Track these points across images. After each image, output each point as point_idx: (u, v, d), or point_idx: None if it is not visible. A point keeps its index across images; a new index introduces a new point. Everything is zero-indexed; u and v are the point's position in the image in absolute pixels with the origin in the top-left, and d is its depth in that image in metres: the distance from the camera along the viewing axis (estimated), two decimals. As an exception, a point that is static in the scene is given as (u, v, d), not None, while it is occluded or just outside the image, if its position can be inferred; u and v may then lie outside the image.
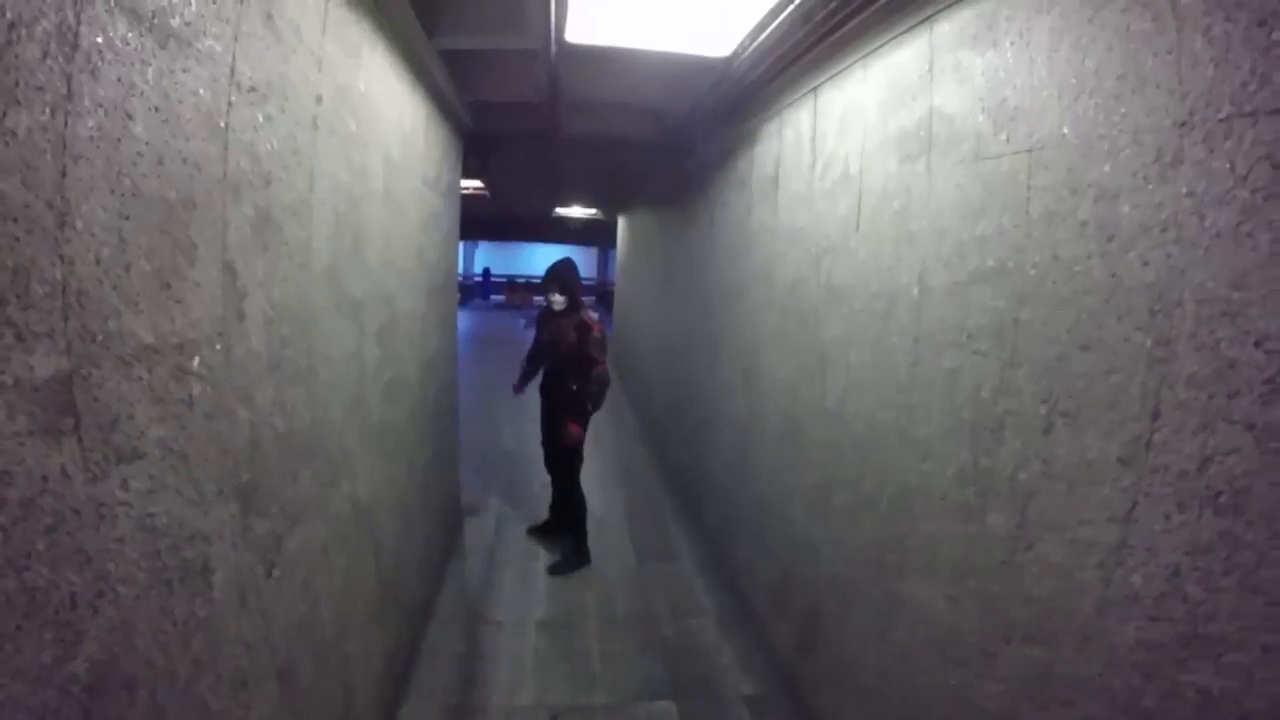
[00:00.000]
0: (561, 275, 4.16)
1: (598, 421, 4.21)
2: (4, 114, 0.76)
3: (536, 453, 4.50)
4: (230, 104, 1.27)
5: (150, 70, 1.02)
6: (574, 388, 4.07)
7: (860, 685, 2.34)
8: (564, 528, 4.46)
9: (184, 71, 1.11)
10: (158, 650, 1.06)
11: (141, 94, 1.00)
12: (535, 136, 4.89)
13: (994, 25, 1.72)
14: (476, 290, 26.53)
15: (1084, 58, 1.44)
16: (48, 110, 0.82)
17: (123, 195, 0.98)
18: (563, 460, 4.25)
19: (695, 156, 4.93)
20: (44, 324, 0.83)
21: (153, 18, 1.01)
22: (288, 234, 1.59)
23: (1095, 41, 1.41)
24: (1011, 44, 1.66)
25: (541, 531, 4.60)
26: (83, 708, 0.88)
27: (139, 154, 1.01)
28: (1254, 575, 1.09)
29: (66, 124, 0.85)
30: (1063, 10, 1.50)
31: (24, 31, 0.77)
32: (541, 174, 7.12)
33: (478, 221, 14.98)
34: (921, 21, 2.01)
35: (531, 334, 4.55)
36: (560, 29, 2.63)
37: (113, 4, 0.92)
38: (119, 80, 0.95)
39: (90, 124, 0.89)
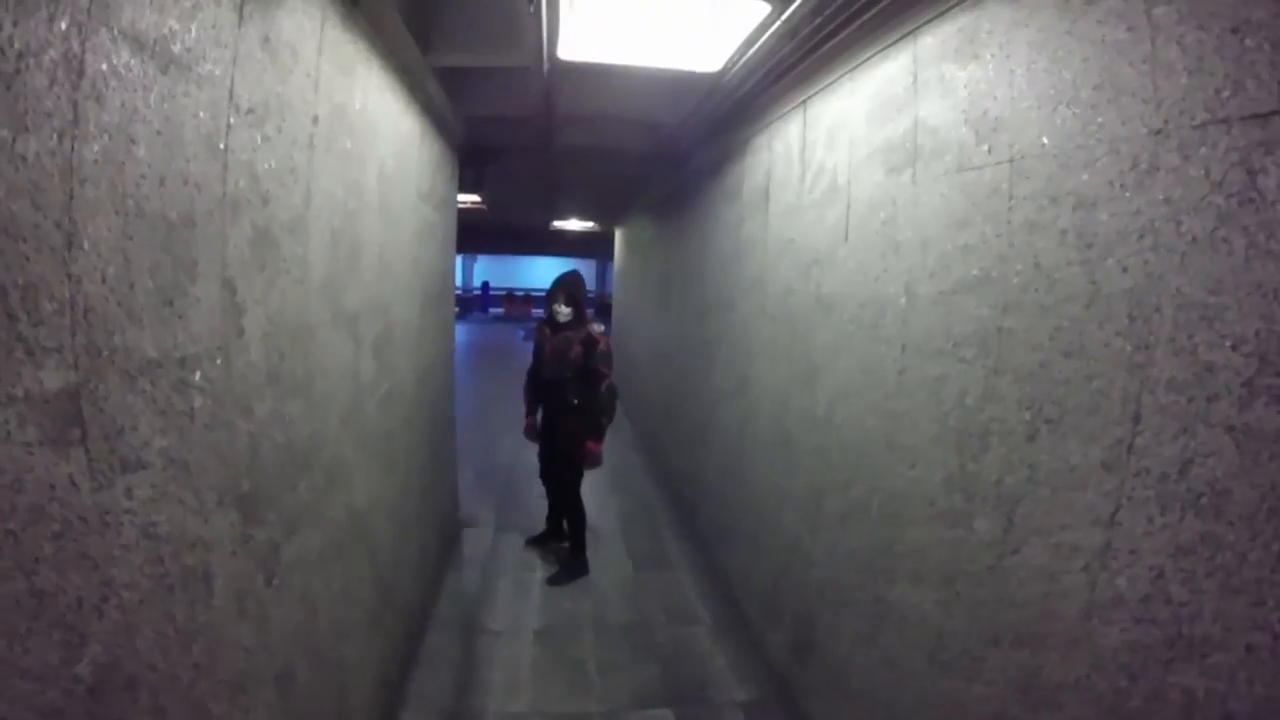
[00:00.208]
0: (569, 287, 4.11)
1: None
2: (14, 139, 0.79)
3: (534, 464, 4.51)
4: (229, 126, 1.30)
5: (152, 95, 1.05)
6: (575, 401, 4.04)
7: (852, 689, 2.36)
8: (562, 538, 4.46)
9: (185, 95, 1.14)
10: (159, 653, 1.09)
11: (144, 118, 1.04)
12: (531, 150, 4.93)
13: (975, 38, 1.76)
14: (476, 303, 26.56)
15: (1062, 69, 1.47)
16: (55, 135, 0.85)
17: (127, 216, 1.01)
18: (566, 471, 4.22)
19: (688, 168, 4.97)
20: (53, 339, 0.86)
21: (154, 44, 1.05)
22: (285, 250, 1.62)
23: (1073, 53, 1.44)
24: (992, 56, 1.70)
25: (539, 542, 4.60)
26: (87, 708, 0.91)
27: (142, 176, 1.04)
28: (1236, 576, 1.11)
29: (73, 148, 0.88)
30: (1041, 23, 1.54)
31: (31, 61, 0.81)
32: (538, 187, 7.16)
33: (476, 235, 15.01)
34: (906, 35, 2.06)
35: (530, 346, 4.48)
36: (553, 46, 2.68)
37: (116, 32, 0.95)
38: (123, 105, 0.98)
39: (96, 148, 0.93)
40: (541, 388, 4.24)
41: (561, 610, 3.83)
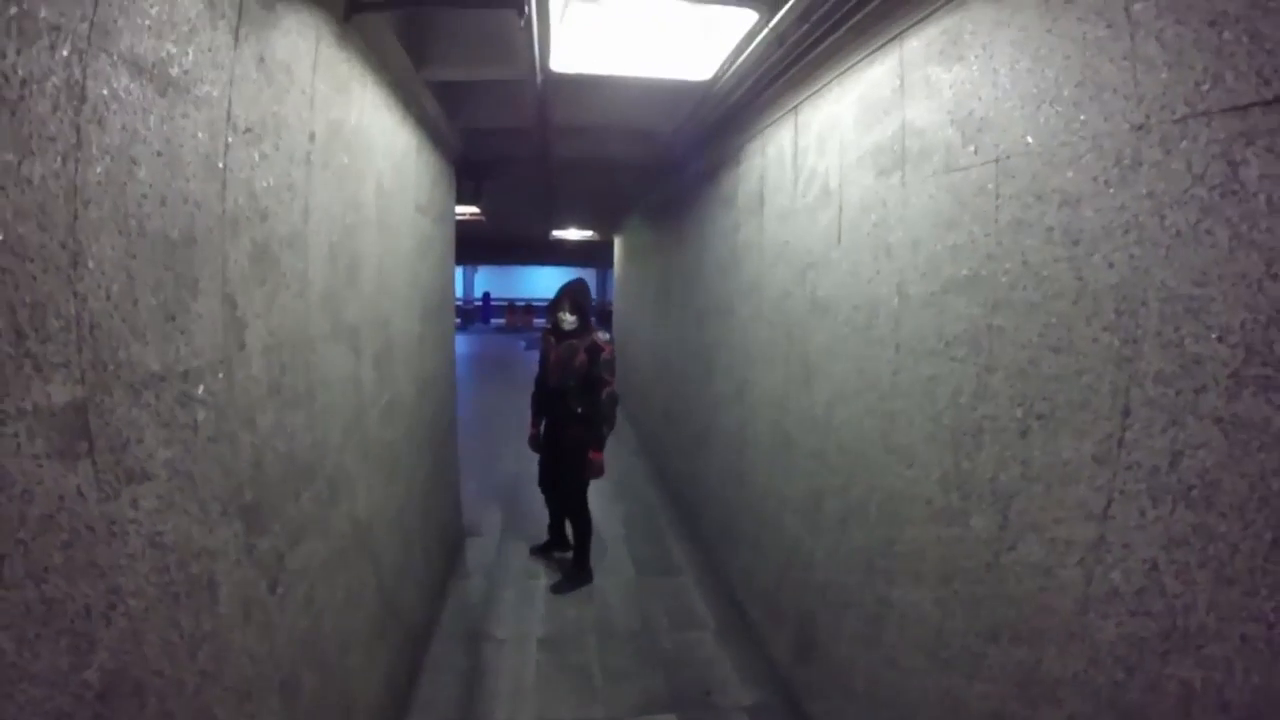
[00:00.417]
0: (574, 295, 4.11)
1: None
2: (19, 163, 0.81)
3: (535, 471, 4.51)
4: (227, 145, 1.33)
5: (152, 117, 1.08)
6: (579, 410, 4.03)
7: (854, 690, 2.37)
8: (565, 547, 4.46)
9: (183, 117, 1.17)
10: (166, 660, 1.11)
11: (145, 140, 1.06)
12: (527, 161, 4.97)
13: (959, 40, 1.79)
14: (477, 314, 26.61)
15: (1044, 68, 1.49)
16: (59, 159, 0.88)
17: (130, 235, 1.04)
18: (572, 480, 4.21)
19: (684, 176, 5.01)
20: (60, 355, 0.89)
21: (153, 68, 1.08)
22: (285, 266, 1.65)
23: (1054, 51, 1.46)
24: (976, 57, 1.72)
25: (543, 551, 4.61)
26: (95, 713, 0.92)
27: (144, 196, 1.07)
28: (1228, 567, 1.11)
29: (77, 171, 0.91)
30: (1022, 22, 1.56)
31: (35, 87, 0.83)
32: (535, 197, 7.20)
33: (476, 246, 15.06)
34: (892, 39, 2.08)
35: (533, 355, 4.48)
36: (545, 59, 2.71)
37: (116, 57, 0.98)
38: (124, 128, 1.01)
39: (98, 170, 0.96)
40: (546, 396, 4.24)
41: (566, 617, 3.84)
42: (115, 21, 0.97)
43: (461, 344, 6.36)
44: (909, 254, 2.03)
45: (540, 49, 2.59)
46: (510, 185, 6.00)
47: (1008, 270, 1.61)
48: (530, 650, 3.47)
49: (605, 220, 10.07)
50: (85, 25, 0.91)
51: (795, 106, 2.89)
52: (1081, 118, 1.39)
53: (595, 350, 4.01)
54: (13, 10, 0.78)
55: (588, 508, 4.31)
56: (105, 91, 0.96)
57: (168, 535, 1.13)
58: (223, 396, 1.34)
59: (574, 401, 4.05)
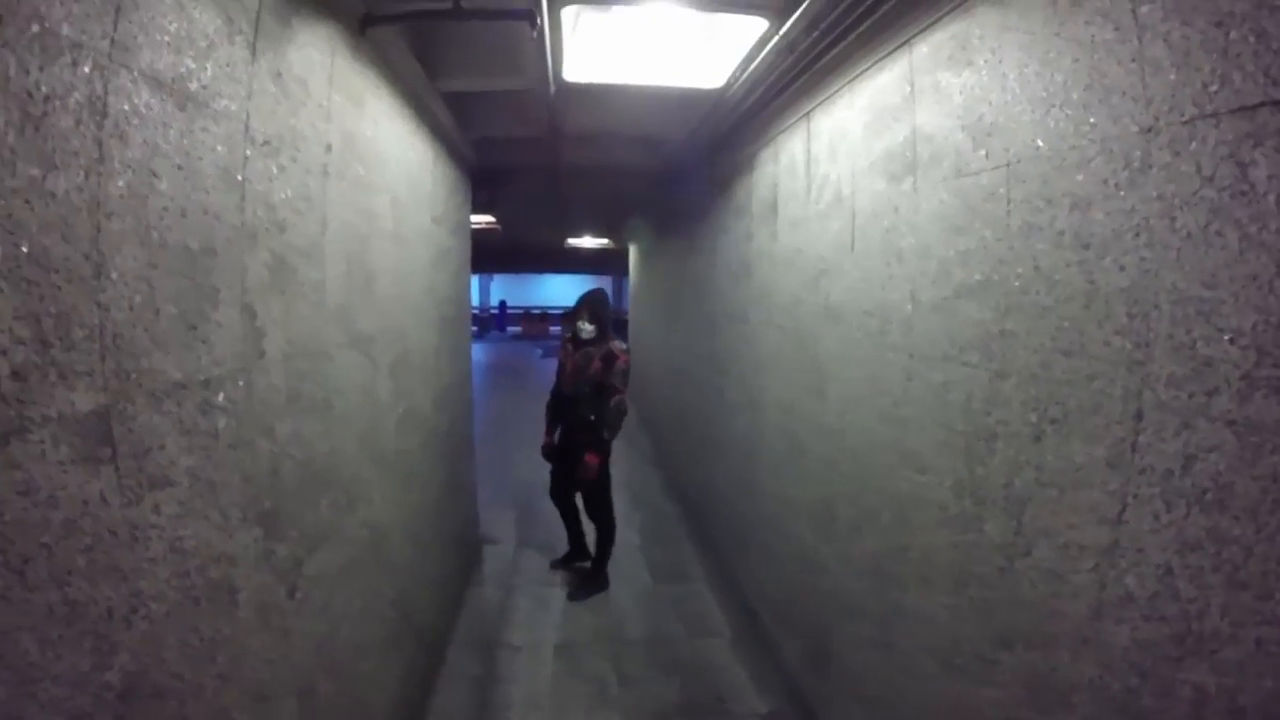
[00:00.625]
0: (593, 304, 4.18)
1: (614, 448, 4.24)
2: (44, 177, 0.84)
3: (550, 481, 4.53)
4: (246, 158, 1.37)
5: (172, 131, 1.11)
6: (592, 417, 4.06)
7: (867, 697, 2.36)
8: (585, 557, 4.46)
9: (203, 131, 1.20)
10: (185, 663, 1.13)
11: (165, 154, 1.10)
12: (541, 170, 5.01)
13: (967, 45, 1.79)
14: (493, 322, 26.75)
15: (1053, 71, 1.48)
16: (82, 173, 0.91)
17: (151, 246, 1.07)
18: (593, 487, 4.23)
19: (696, 184, 5.02)
20: (84, 364, 0.91)
21: (173, 83, 1.11)
22: (302, 276, 1.68)
23: (1062, 55, 1.45)
24: (985, 62, 1.72)
25: (564, 563, 4.58)
26: (115, 714, 0.95)
27: (164, 208, 1.10)
28: (1242, 570, 1.10)
29: (99, 184, 0.94)
30: (1030, 26, 1.55)
31: (58, 103, 0.87)
32: (550, 206, 7.25)
33: (491, 255, 15.14)
34: (901, 45, 2.09)
35: (549, 364, 4.51)
36: (557, 68, 2.74)
37: (136, 74, 1.01)
38: (145, 142, 1.04)
39: (120, 183, 0.99)
40: (561, 404, 4.28)
41: (582, 625, 3.85)
42: (135, 38, 1.01)
43: (478, 352, 6.41)
44: (920, 260, 2.03)
45: (553, 59, 2.63)
46: (524, 194, 6.05)
47: (1019, 274, 1.60)
48: (546, 658, 3.48)
49: (619, 228, 10.11)
50: (106, 42, 0.94)
51: (808, 113, 2.90)
52: (1091, 120, 1.39)
53: (610, 358, 4.05)
54: (35, 28, 0.81)
55: (613, 515, 4.33)
56: (126, 107, 0.99)
57: (188, 540, 1.15)
58: (242, 404, 1.37)
59: (586, 409, 4.08)
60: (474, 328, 5.13)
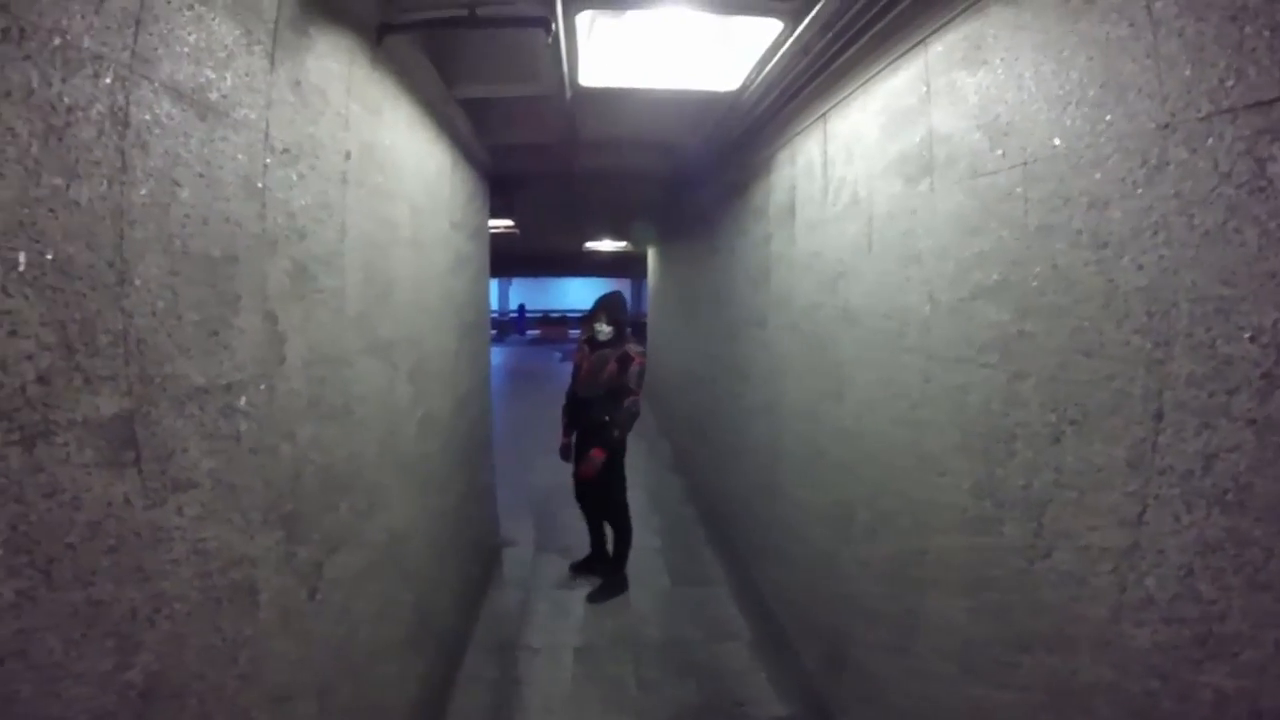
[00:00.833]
0: (610, 307, 4.22)
1: (633, 451, 4.25)
2: (67, 186, 0.87)
3: (571, 484, 4.54)
4: (266, 166, 1.39)
5: (193, 140, 1.14)
6: (606, 418, 4.09)
7: (886, 702, 2.34)
8: (607, 560, 4.47)
9: (223, 140, 1.23)
10: (207, 663, 1.15)
11: (186, 163, 1.12)
12: (558, 175, 5.05)
13: (982, 44, 1.78)
14: (512, 326, 26.89)
15: (1068, 69, 1.47)
16: (105, 182, 0.93)
17: (174, 254, 1.09)
18: (604, 489, 4.26)
19: (712, 187, 5.02)
20: (108, 369, 0.94)
21: (193, 94, 1.14)
22: (322, 283, 1.71)
23: (1077, 53, 1.44)
24: (1000, 61, 1.71)
25: (585, 567, 4.59)
26: (137, 712, 0.97)
27: (186, 216, 1.13)
28: (1262, 572, 1.08)
29: (122, 193, 0.97)
30: (1044, 25, 1.54)
31: (80, 114, 0.89)
32: (567, 211, 7.29)
33: (510, 259, 15.23)
34: (915, 46, 2.08)
35: (568, 367, 4.55)
36: (573, 74, 2.76)
37: (157, 84, 1.04)
38: (166, 152, 1.07)
39: (143, 192, 1.01)
40: (577, 406, 4.31)
41: (601, 627, 3.86)
42: (156, 50, 1.03)
43: (497, 355, 6.45)
44: (938, 261, 2.01)
45: (569, 65, 2.65)
46: (542, 199, 6.09)
47: (1037, 275, 1.59)
48: (565, 660, 3.49)
49: (637, 232, 10.12)
50: (127, 54, 0.97)
51: (824, 115, 2.89)
52: (1107, 118, 1.38)
53: (626, 360, 4.09)
54: (56, 41, 0.84)
55: (629, 517, 4.35)
56: (148, 117, 1.02)
57: (210, 542, 1.18)
58: (264, 409, 1.39)
59: (601, 411, 4.12)
60: (493, 331, 5.17)
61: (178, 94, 1.09)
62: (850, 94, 2.59)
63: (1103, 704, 1.38)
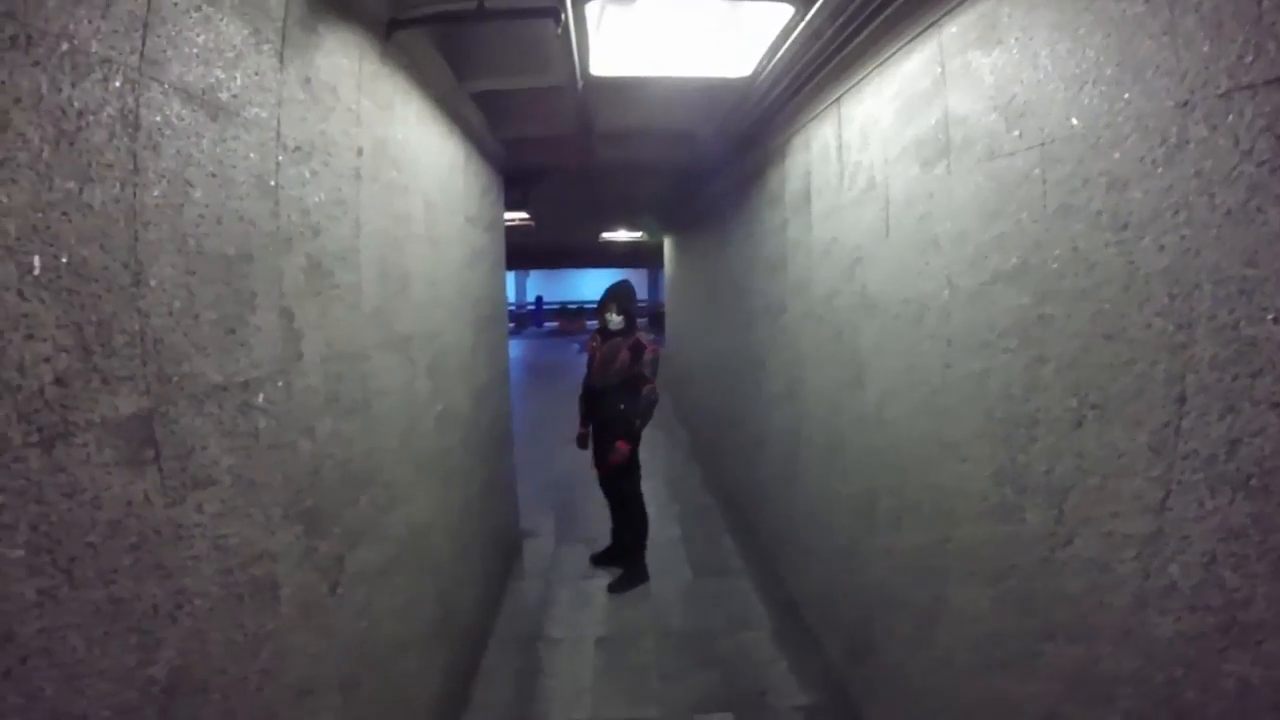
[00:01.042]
0: (620, 296, 4.28)
1: (652, 441, 4.26)
2: (80, 190, 0.88)
3: (590, 475, 4.56)
4: (278, 164, 1.40)
5: (205, 141, 1.15)
6: (622, 407, 4.13)
7: (908, 691, 2.33)
8: (625, 549, 4.49)
9: (235, 139, 1.24)
10: (229, 658, 1.17)
11: (199, 163, 1.13)
12: (572, 168, 5.04)
13: (997, 24, 1.74)
14: (530, 319, 26.98)
15: (1085, 48, 1.44)
16: (118, 184, 0.94)
17: (188, 254, 1.10)
18: (621, 478, 4.30)
19: (727, 175, 4.99)
20: (126, 369, 0.95)
21: (203, 94, 1.15)
22: (338, 279, 1.72)
23: (1093, 31, 1.41)
24: (1016, 40, 1.68)
25: (605, 557, 4.60)
26: (160, 708, 0.99)
27: (200, 216, 1.14)
28: (1287, 558, 1.06)
29: (135, 195, 0.98)
30: (1059, 3, 1.51)
31: (91, 118, 0.90)
32: (582, 202, 7.28)
33: (526, 252, 15.27)
34: (929, 27, 2.04)
35: (585, 358, 4.59)
36: (584, 64, 2.74)
37: (167, 86, 1.05)
38: (178, 152, 1.08)
39: (156, 193, 1.02)
40: (592, 396, 4.34)
41: (622, 618, 3.88)
42: (164, 52, 1.04)
43: (515, 348, 6.49)
44: (956, 245, 1.99)
45: (579, 55, 2.63)
46: (557, 191, 6.08)
47: (1056, 258, 1.56)
48: (587, 651, 3.51)
49: (653, 222, 10.10)
50: (135, 57, 0.97)
51: (838, 99, 2.85)
52: (1125, 97, 1.35)
53: (639, 349, 4.14)
54: (64, 46, 0.85)
55: (644, 506, 4.37)
56: (158, 119, 1.03)
57: (231, 539, 1.19)
58: (282, 405, 1.41)
59: (615, 399, 4.15)
60: (511, 324, 5.20)
61: (188, 95, 1.10)
62: (864, 78, 2.56)
63: (1126, 694, 1.36)
